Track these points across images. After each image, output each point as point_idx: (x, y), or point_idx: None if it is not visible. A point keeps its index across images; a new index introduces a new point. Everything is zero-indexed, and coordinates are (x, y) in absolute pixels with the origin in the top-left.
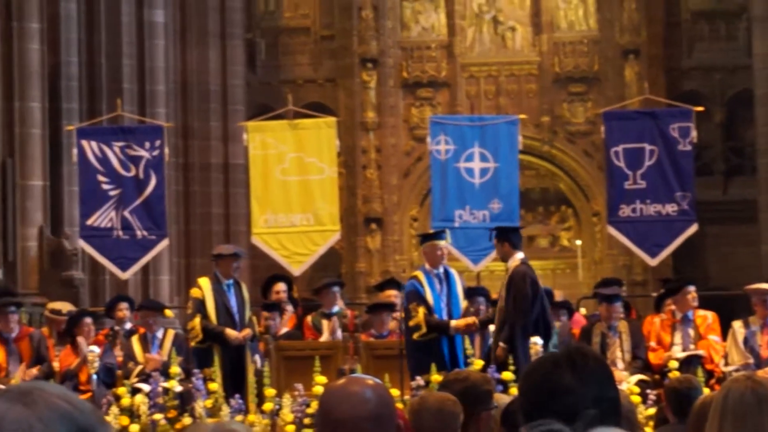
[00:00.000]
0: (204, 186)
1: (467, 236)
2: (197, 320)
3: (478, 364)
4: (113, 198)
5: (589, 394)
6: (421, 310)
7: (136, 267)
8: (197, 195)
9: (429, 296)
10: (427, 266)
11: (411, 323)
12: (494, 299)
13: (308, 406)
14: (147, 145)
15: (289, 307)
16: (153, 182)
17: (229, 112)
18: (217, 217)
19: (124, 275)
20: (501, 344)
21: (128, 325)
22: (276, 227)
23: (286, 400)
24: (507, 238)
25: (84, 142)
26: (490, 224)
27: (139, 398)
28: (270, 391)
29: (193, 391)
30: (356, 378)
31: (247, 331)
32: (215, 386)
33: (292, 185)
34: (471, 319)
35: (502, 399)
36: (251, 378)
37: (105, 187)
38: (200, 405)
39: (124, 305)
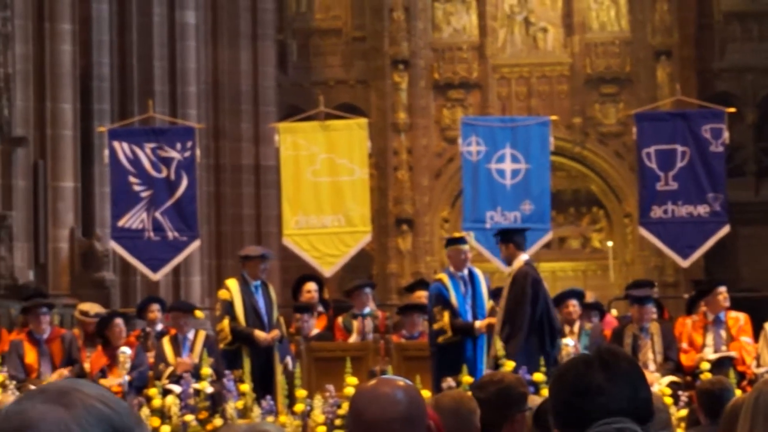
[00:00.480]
0: (235, 187)
1: None
2: (226, 322)
3: (509, 365)
4: (144, 199)
5: (621, 394)
6: (446, 314)
7: (168, 268)
8: (228, 196)
9: (453, 299)
10: (451, 268)
11: (435, 327)
12: None
13: (339, 407)
14: (178, 146)
15: (320, 308)
16: (184, 183)
17: (260, 114)
18: (248, 218)
19: (155, 276)
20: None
21: (159, 327)
22: (307, 228)
23: (318, 401)
24: (511, 239)
25: (115, 144)
26: (522, 225)
27: (170, 399)
28: (301, 393)
29: (224, 392)
30: (387, 379)
31: (275, 332)
32: (246, 387)
33: (323, 186)
34: (492, 319)
35: (535, 401)
36: (280, 379)
37: (136, 188)
38: (231, 406)
39: (155, 306)
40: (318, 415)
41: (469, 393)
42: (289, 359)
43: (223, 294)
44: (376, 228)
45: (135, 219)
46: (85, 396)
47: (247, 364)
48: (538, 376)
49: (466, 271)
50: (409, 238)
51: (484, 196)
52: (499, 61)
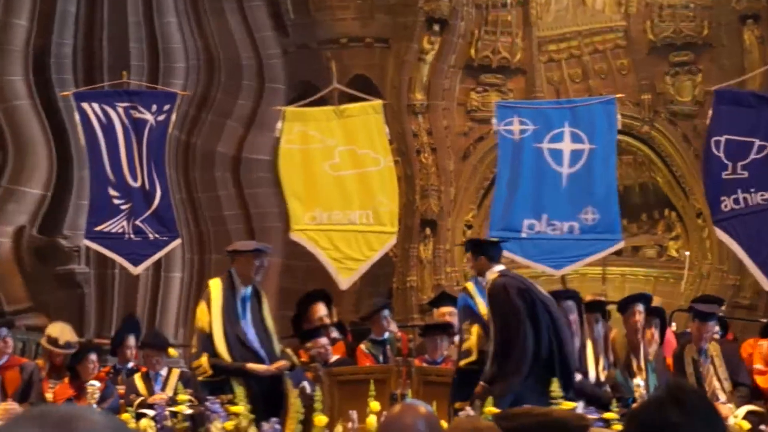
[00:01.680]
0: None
1: (539, 246)
2: (204, 359)
3: (567, 405)
4: (124, 211)
5: (698, 429)
6: (475, 331)
7: (149, 262)
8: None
9: (483, 309)
10: (478, 277)
11: (463, 347)
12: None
13: None
14: (154, 107)
15: (335, 333)
16: (159, 193)
17: (265, 91)
18: (235, 217)
19: (136, 270)
20: (481, 382)
21: (130, 364)
22: (329, 225)
23: (339, 429)
24: (483, 252)
25: (85, 105)
26: (580, 237)
27: (145, 422)
28: (321, 419)
29: (207, 413)
30: (409, 406)
31: (282, 363)
32: (239, 408)
33: (347, 180)
34: None
35: None
36: (295, 401)
37: (116, 201)
38: (218, 426)
39: (131, 341)
40: None
41: (488, 422)
42: (306, 384)
43: (199, 322)
44: (402, 230)
45: (115, 225)
46: (90, 424)
47: (240, 390)
48: (610, 415)
49: None
50: (431, 245)
51: (526, 191)
52: (543, 31)
